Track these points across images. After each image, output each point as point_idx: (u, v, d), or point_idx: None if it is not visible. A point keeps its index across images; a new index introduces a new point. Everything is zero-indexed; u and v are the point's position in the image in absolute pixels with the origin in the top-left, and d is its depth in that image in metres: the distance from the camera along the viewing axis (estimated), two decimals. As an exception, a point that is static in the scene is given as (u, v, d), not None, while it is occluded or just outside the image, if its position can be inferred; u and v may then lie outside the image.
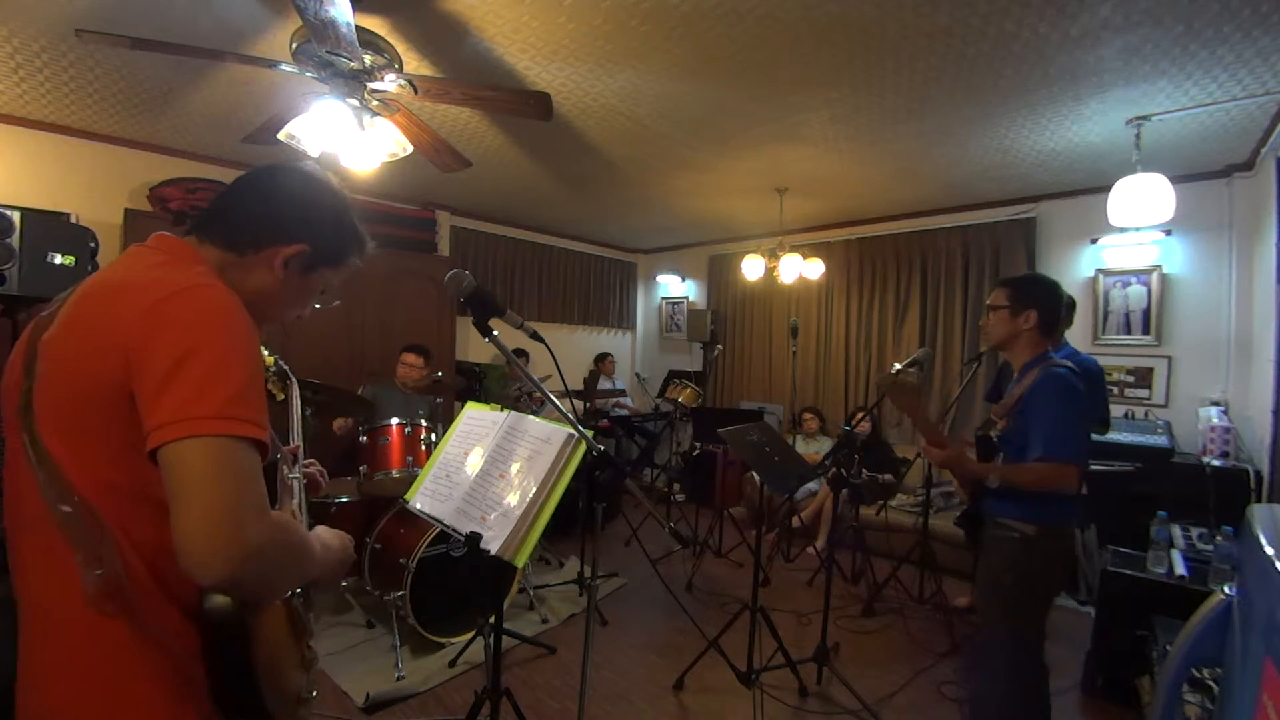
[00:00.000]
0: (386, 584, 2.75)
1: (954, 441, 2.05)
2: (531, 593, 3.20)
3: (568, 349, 6.28)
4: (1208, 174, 3.53)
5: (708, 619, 3.02)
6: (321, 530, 0.96)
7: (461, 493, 1.62)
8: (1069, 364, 1.82)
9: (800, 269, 4.43)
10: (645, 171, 3.93)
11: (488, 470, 1.63)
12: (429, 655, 2.68)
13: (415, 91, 2.12)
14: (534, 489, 1.50)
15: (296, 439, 1.45)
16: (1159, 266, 3.78)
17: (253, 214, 0.89)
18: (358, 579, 2.95)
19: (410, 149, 2.31)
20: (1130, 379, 3.87)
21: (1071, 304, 2.79)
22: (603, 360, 6.17)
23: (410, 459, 3.05)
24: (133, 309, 0.73)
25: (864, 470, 3.88)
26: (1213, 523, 2.73)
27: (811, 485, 4.28)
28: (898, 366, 2.17)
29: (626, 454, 5.85)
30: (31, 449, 0.74)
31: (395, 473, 2.99)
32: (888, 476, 4.19)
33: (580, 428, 1.49)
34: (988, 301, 1.98)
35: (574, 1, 2.04)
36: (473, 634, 2.74)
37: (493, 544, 1.46)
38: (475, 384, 4.02)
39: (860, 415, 2.63)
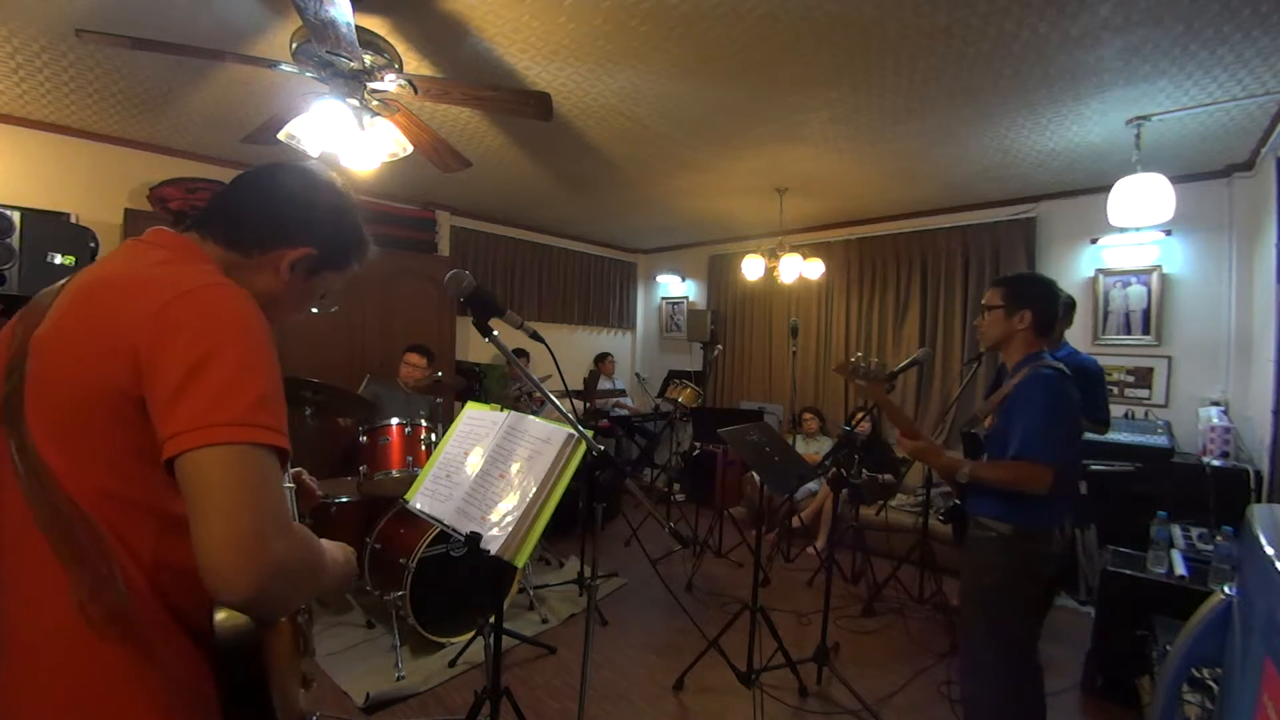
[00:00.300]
0: (386, 584, 2.75)
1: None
2: (531, 593, 3.20)
3: (568, 349, 6.28)
4: (1208, 174, 3.52)
5: (708, 619, 3.02)
6: (326, 543, 0.93)
7: (461, 493, 1.62)
8: (1057, 365, 1.80)
9: (800, 269, 4.43)
10: (645, 171, 3.93)
11: (488, 470, 1.63)
12: (429, 655, 2.68)
13: (415, 91, 2.12)
14: (534, 489, 1.50)
15: None
16: (1159, 266, 3.78)
17: (256, 214, 0.85)
18: (358, 579, 2.94)
19: (410, 149, 2.31)
20: (1130, 379, 3.87)
21: (1071, 304, 2.79)
22: (603, 360, 6.17)
23: (410, 459, 3.05)
24: (141, 309, 0.69)
25: (864, 470, 3.88)
26: (1213, 523, 2.73)
27: (811, 485, 4.28)
28: (870, 359, 2.15)
29: (626, 454, 5.85)
30: (19, 456, 0.69)
31: (395, 473, 2.99)
32: (888, 476, 4.19)
33: (580, 428, 1.49)
34: (983, 301, 1.97)
35: (574, 1, 2.04)
36: (473, 634, 2.74)
37: (493, 544, 1.46)
38: (475, 384, 4.02)
39: (860, 415, 2.63)
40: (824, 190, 4.26)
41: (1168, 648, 2.03)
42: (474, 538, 1.49)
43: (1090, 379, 2.56)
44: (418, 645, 2.72)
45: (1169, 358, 3.75)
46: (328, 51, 1.80)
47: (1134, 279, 3.87)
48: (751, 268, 4.56)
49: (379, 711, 2.31)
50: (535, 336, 1.49)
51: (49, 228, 2.77)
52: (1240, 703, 0.88)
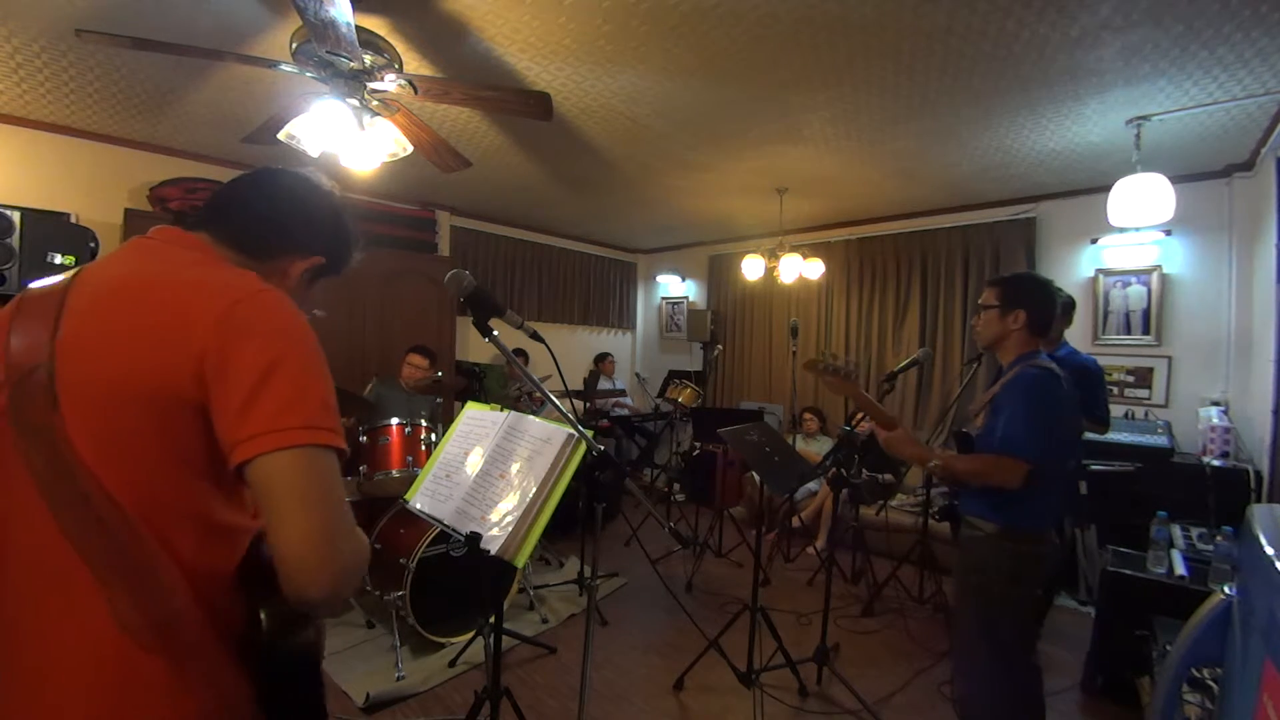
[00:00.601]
0: (386, 584, 2.75)
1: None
2: (531, 593, 3.20)
3: (568, 349, 6.28)
4: (1208, 174, 3.52)
5: (708, 619, 3.02)
6: None
7: (461, 493, 1.62)
8: (1047, 364, 1.78)
9: (800, 269, 4.43)
10: (645, 171, 3.93)
11: (488, 470, 1.63)
12: (429, 655, 2.68)
13: (415, 91, 2.12)
14: (534, 489, 1.50)
15: None
16: (1159, 266, 3.78)
17: (264, 219, 0.85)
18: (358, 579, 2.94)
19: (410, 149, 2.31)
20: (1130, 379, 3.87)
21: (1071, 304, 2.78)
22: (603, 360, 6.17)
23: (410, 459, 3.05)
24: (202, 313, 0.68)
25: (864, 470, 3.89)
26: (1213, 523, 2.73)
27: (811, 485, 4.28)
28: (838, 355, 2.16)
29: (626, 454, 5.85)
30: (46, 462, 0.66)
31: (395, 473, 2.99)
32: (888, 476, 4.19)
33: (580, 428, 1.49)
34: (979, 301, 1.96)
35: (574, 2, 2.04)
36: (473, 634, 2.74)
37: (493, 544, 1.46)
38: (475, 384, 4.01)
39: (860, 415, 2.62)
40: (824, 190, 4.26)
41: (1168, 648, 2.03)
42: (474, 538, 1.49)
43: (1090, 379, 2.56)
44: (418, 645, 2.72)
45: (1169, 358, 3.75)
46: (328, 51, 1.80)
47: (1134, 279, 3.87)
48: (751, 268, 4.57)
49: (379, 711, 2.31)
50: (535, 336, 1.49)
51: (49, 228, 2.77)
52: (1240, 703, 0.88)
